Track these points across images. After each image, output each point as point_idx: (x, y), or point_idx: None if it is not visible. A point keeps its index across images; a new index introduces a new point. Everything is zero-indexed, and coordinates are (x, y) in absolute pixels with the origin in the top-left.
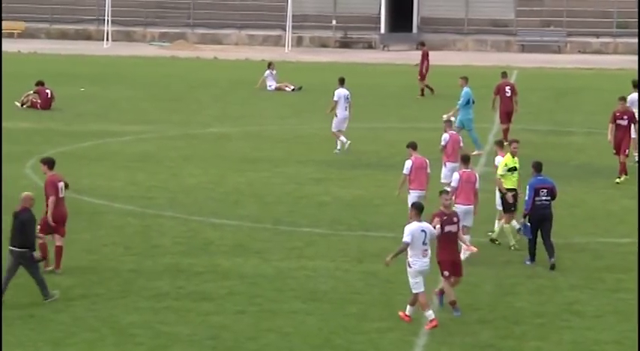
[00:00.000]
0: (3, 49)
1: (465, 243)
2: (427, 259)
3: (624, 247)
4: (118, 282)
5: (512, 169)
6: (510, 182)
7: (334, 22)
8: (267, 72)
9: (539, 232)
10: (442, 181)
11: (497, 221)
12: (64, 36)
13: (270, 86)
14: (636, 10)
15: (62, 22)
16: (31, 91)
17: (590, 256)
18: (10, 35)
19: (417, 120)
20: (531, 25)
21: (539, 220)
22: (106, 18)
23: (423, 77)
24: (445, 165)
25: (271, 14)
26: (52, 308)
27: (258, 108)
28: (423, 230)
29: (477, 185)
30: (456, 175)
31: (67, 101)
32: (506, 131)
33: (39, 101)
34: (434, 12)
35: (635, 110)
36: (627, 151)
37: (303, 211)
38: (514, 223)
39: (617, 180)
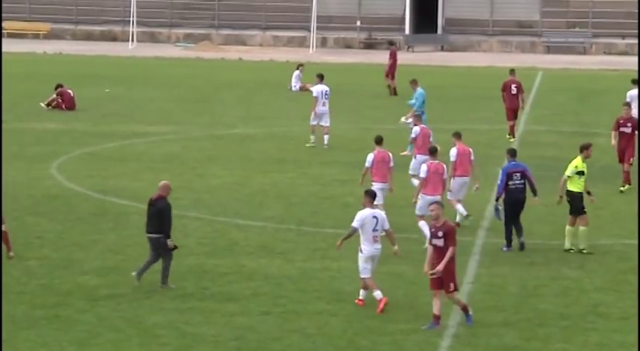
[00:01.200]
0: (29, 49)
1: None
2: (378, 245)
3: None
4: (143, 282)
5: (580, 173)
6: (576, 186)
7: (359, 23)
8: (297, 72)
9: (513, 214)
10: (410, 172)
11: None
12: (89, 37)
13: (294, 86)
14: None
15: (87, 24)
16: (55, 94)
17: (616, 257)
18: (36, 36)
19: (441, 121)
20: (556, 26)
21: (514, 203)
22: (131, 19)
23: (391, 76)
24: (415, 157)
25: (296, 15)
26: (77, 308)
27: (283, 109)
28: (374, 216)
29: (445, 176)
30: (424, 167)
31: (92, 102)
32: (512, 128)
33: (63, 102)
34: (459, 13)
35: (634, 105)
36: (631, 159)
37: (328, 213)
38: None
39: (621, 189)
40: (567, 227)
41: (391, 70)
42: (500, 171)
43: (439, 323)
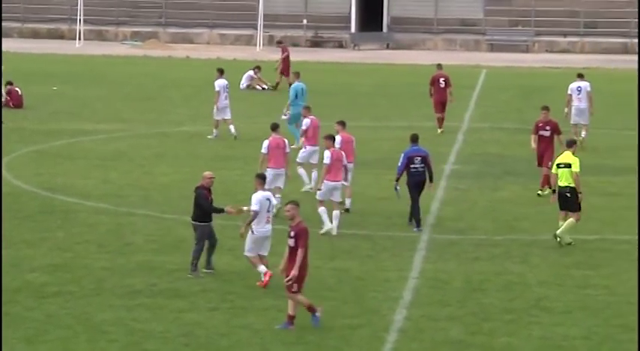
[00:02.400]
0: None
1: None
2: (269, 226)
3: (592, 244)
4: (91, 280)
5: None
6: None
7: (305, 21)
8: (250, 73)
9: (416, 196)
10: (297, 160)
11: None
12: (36, 35)
13: (242, 85)
14: (603, 10)
15: (34, 22)
16: (2, 92)
17: (558, 253)
18: None
19: (388, 119)
20: (500, 25)
21: (415, 185)
22: (78, 17)
23: (285, 73)
24: (305, 148)
25: (243, 14)
26: (25, 306)
27: (231, 107)
28: (267, 199)
29: (345, 162)
30: (327, 153)
31: (40, 100)
32: (440, 120)
33: (10, 99)
34: (404, 11)
35: (575, 97)
36: (550, 163)
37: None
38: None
39: (539, 192)
40: (560, 222)
41: (285, 67)
42: (402, 155)
43: (292, 323)
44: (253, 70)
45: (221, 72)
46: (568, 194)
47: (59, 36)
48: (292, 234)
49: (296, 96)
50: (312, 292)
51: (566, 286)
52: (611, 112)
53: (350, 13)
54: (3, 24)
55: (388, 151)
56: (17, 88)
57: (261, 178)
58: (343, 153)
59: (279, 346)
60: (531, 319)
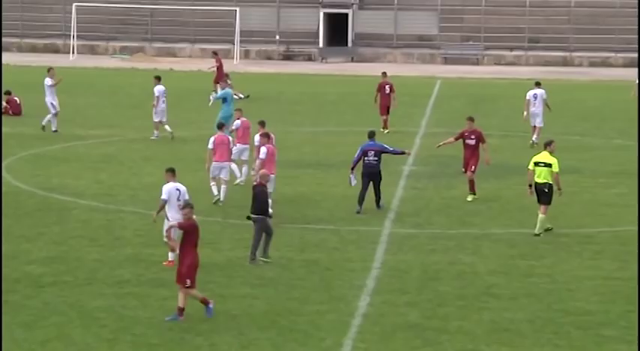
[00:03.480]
0: None
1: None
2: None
3: (535, 237)
4: (84, 271)
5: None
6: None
7: (277, 37)
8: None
9: (370, 186)
10: (231, 158)
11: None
12: (33, 49)
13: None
14: (544, 27)
15: (32, 37)
16: (4, 101)
17: (506, 245)
18: None
19: (352, 124)
20: (453, 40)
21: (369, 176)
22: (71, 33)
23: (217, 81)
24: (235, 145)
25: (221, 29)
26: (24, 294)
27: (210, 114)
28: (177, 189)
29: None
30: (264, 149)
31: (37, 108)
32: (385, 121)
33: (10, 108)
34: (367, 28)
35: (533, 102)
36: (474, 168)
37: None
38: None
39: (469, 199)
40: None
41: (219, 77)
42: (359, 148)
43: (182, 315)
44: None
45: (158, 79)
46: (546, 190)
47: (55, 50)
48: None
49: (225, 100)
50: (285, 282)
51: (512, 274)
52: (553, 118)
53: (318, 29)
54: (4, 39)
55: (352, 153)
56: (16, 98)
57: (171, 170)
58: (275, 149)
59: (254, 330)
60: (481, 304)
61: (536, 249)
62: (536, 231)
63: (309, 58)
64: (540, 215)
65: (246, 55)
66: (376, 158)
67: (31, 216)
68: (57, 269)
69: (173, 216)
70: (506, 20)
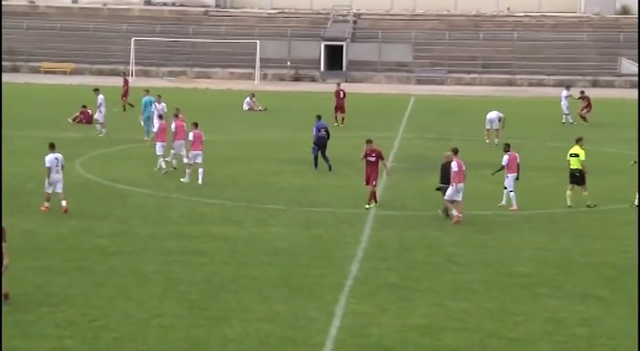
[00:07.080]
0: (59, 82)
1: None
2: (59, 175)
3: (487, 217)
4: (140, 243)
5: (574, 155)
6: (574, 164)
7: (289, 63)
8: (248, 99)
9: (319, 153)
10: (186, 161)
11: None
12: (101, 73)
13: (244, 108)
14: (494, 55)
15: (100, 63)
16: (78, 112)
17: (465, 223)
18: (64, 72)
19: (345, 130)
20: (424, 66)
21: (320, 146)
22: (131, 60)
23: (125, 98)
24: (192, 151)
25: (245, 58)
26: (94, 261)
27: (237, 122)
28: (56, 158)
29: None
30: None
31: (105, 118)
32: (342, 118)
33: (84, 118)
34: (357, 56)
35: (495, 125)
36: (375, 182)
37: (268, 194)
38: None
39: (367, 207)
40: (567, 192)
41: (125, 94)
42: (314, 127)
43: (9, 299)
44: (249, 96)
45: (147, 91)
46: (577, 174)
47: (117, 74)
48: None
49: (146, 105)
50: (294, 252)
51: (469, 246)
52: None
53: (320, 57)
54: (78, 65)
55: (346, 153)
56: (89, 110)
57: (51, 146)
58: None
59: (270, 288)
60: (445, 269)
61: (487, 226)
62: (568, 203)
63: (313, 79)
64: (584, 193)
65: (264, 77)
66: (325, 133)
67: (98, 201)
68: (119, 241)
69: (53, 176)
70: (464, 50)
